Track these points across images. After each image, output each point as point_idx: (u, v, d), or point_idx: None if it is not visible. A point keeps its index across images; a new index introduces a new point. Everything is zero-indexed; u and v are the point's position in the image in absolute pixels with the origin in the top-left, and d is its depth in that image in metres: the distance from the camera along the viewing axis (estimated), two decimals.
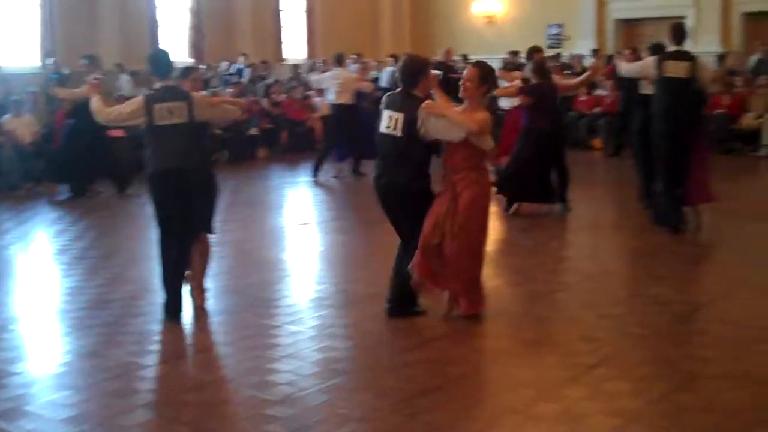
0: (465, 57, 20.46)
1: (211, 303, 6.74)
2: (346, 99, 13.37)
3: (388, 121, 6.02)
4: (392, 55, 19.98)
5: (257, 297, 6.90)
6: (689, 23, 19.33)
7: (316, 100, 17.99)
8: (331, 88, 13.45)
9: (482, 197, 6.07)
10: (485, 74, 6.11)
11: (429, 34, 22.77)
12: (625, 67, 9.71)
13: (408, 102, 5.97)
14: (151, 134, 6.24)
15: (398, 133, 5.97)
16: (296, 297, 6.99)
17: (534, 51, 11.39)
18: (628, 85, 11.20)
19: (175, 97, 6.24)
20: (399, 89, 6.10)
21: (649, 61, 9.16)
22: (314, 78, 15.16)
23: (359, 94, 13.72)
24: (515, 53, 19.89)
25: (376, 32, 22.98)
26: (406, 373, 5.13)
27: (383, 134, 6.08)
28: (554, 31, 21.53)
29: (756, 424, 4.36)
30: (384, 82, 19.81)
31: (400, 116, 5.97)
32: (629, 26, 21.08)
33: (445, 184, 6.09)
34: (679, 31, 8.94)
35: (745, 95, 15.81)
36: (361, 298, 6.76)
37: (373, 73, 20.60)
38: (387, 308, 6.26)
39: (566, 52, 20.13)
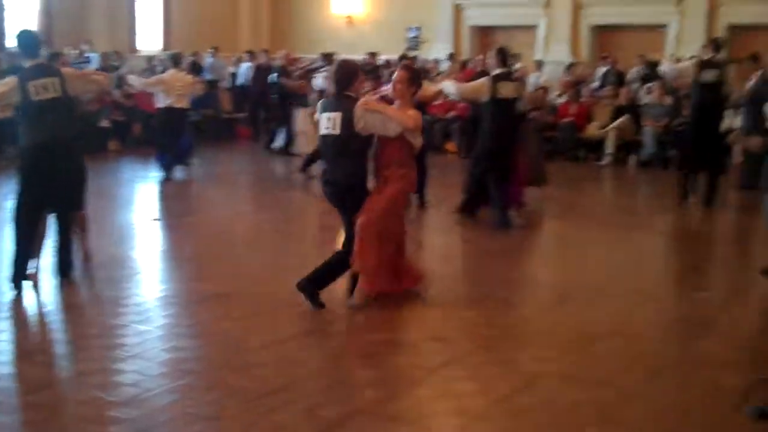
0: (327, 57, 20.57)
1: (55, 300, 6.52)
2: (183, 103, 12.80)
3: (327, 122, 6.44)
4: (249, 52, 19.79)
5: (104, 295, 6.72)
6: (541, 32, 20.13)
7: None
8: (168, 92, 12.56)
9: (405, 191, 6.63)
10: (414, 76, 6.76)
11: (288, 31, 22.70)
12: (458, 89, 10.01)
13: (344, 102, 6.40)
14: (27, 111, 6.69)
15: (337, 131, 6.38)
16: (144, 295, 6.83)
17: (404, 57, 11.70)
18: None
19: (47, 74, 6.79)
20: (333, 92, 6.53)
21: (482, 83, 9.66)
22: (139, 82, 13.38)
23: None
24: (373, 54, 20.11)
25: (234, 27, 22.72)
26: (255, 372, 5.11)
27: (324, 136, 6.48)
28: (413, 34, 21.88)
29: (592, 423, 4.57)
30: (242, 78, 19.67)
31: (338, 115, 6.38)
32: (484, 33, 21.62)
33: (377, 180, 6.54)
34: (503, 55, 9.65)
35: (590, 105, 16.51)
36: (211, 297, 6.69)
37: (230, 69, 20.47)
38: (298, 281, 6.47)
39: (424, 55, 20.48)
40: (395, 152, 6.49)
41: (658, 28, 19.28)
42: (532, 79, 17.89)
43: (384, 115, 6.37)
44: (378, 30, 22.00)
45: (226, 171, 14.33)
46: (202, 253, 8.45)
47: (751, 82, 12.65)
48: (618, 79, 17.60)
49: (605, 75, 18.05)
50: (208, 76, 19.45)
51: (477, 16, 21.29)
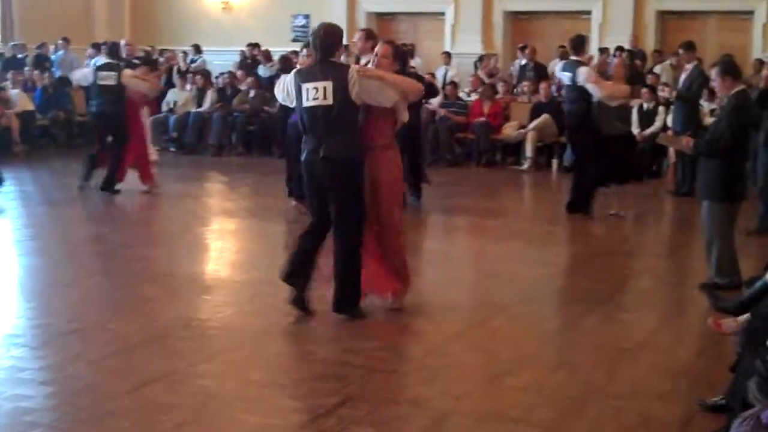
0: (197, 48, 20.41)
1: None
2: None
3: (315, 93, 6.73)
4: (94, 45, 18.85)
5: None
6: (449, 20, 20.33)
7: (11, 92, 17.26)
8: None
9: (399, 177, 7.20)
10: (398, 51, 7.41)
11: (153, 19, 22.43)
12: None
13: (333, 69, 6.79)
14: None
15: (329, 101, 6.70)
16: None
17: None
18: None
19: None
20: (317, 59, 6.89)
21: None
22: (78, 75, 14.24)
23: None
24: (255, 45, 20.05)
25: (88, 15, 22.31)
26: (114, 424, 5.00)
27: (311, 107, 6.76)
28: (300, 22, 21.87)
29: None
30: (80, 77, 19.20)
31: (328, 84, 6.71)
32: (383, 20, 21.69)
33: None
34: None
35: (506, 103, 16.75)
36: (62, 335, 6.54)
37: (86, 63, 20.09)
38: (333, 308, 6.91)
39: None
40: (380, 131, 6.96)
41: (582, 15, 19.63)
42: (439, 74, 18.11)
43: (383, 81, 6.85)
44: (259, 18, 21.90)
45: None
46: (51, 283, 8.28)
47: (684, 75, 13.06)
48: (537, 73, 17.82)
49: (523, 68, 18.31)
50: (57, 73, 19.08)
51: (375, 2, 21.31)
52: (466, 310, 7.50)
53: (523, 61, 18.34)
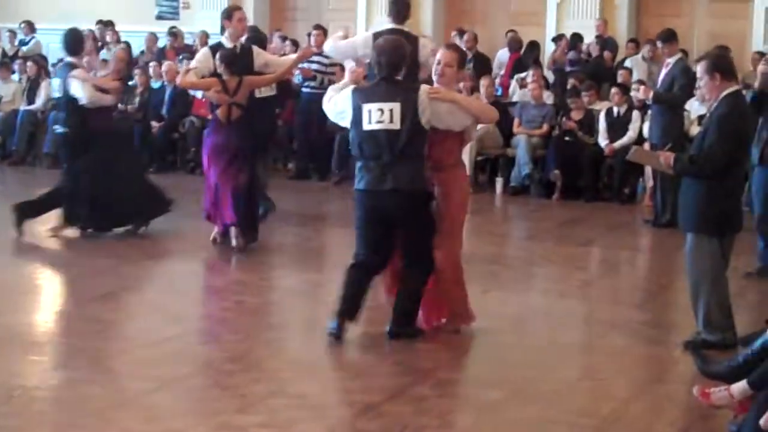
0: (30, 26, 20.16)
1: None
2: None
3: (379, 115, 7.62)
4: None
5: None
6: None
7: None
8: None
9: (466, 202, 8.35)
10: (463, 58, 8.20)
11: None
12: None
13: (400, 89, 7.77)
14: None
15: (396, 125, 7.62)
16: None
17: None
18: None
19: None
20: (381, 77, 7.81)
21: None
22: None
23: None
24: (107, 24, 19.93)
25: None
26: None
27: (373, 131, 7.67)
28: None
29: None
30: None
31: (395, 106, 7.63)
32: None
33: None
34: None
35: None
36: None
37: None
38: (391, 329, 8.06)
39: (186, 28, 20.41)
40: (449, 151, 8.03)
41: None
42: (347, 66, 17.99)
43: (456, 104, 7.86)
44: None
45: None
46: None
47: (664, 72, 13.18)
48: (478, 66, 17.80)
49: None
50: None
51: None
52: (385, 375, 7.46)
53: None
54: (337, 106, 8.02)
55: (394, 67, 7.83)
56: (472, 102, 8.16)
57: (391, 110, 7.61)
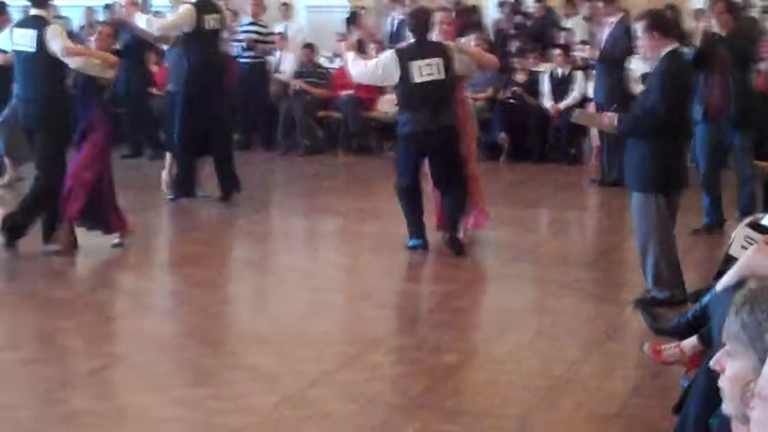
0: None
1: None
2: None
3: (428, 69, 9.50)
4: None
5: None
6: None
7: None
8: None
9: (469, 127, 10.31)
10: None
11: None
12: None
13: (437, 47, 9.74)
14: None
15: (442, 75, 9.54)
16: None
17: None
18: None
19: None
20: (417, 38, 9.77)
21: None
22: None
23: None
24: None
25: None
26: None
27: (423, 83, 9.51)
28: None
29: None
30: None
31: (439, 60, 9.56)
32: None
33: None
34: None
35: None
36: None
37: None
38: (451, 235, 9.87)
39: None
40: (462, 90, 10.21)
41: None
42: (291, 32, 17.94)
43: (471, 55, 10.22)
44: None
45: None
46: None
47: (606, 32, 13.23)
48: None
49: (400, 26, 18.22)
50: None
51: None
52: (333, 344, 7.48)
53: (401, 17, 18.19)
54: (384, 68, 9.76)
55: (424, 29, 9.74)
56: (481, 53, 11.02)
57: (437, 64, 9.50)
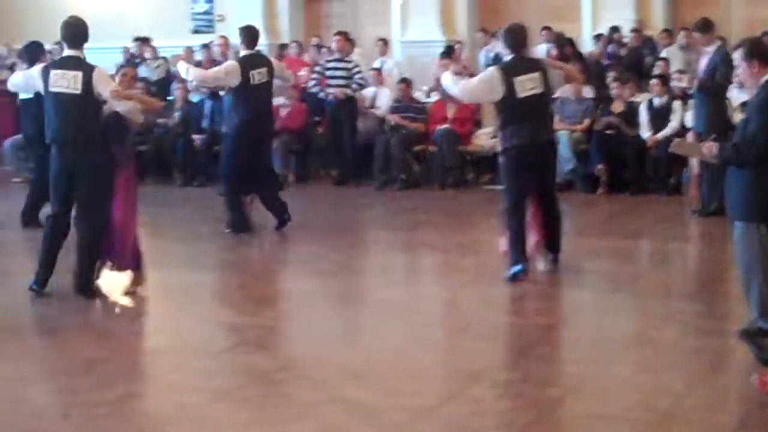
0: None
1: None
2: None
3: (531, 83, 9.85)
4: None
5: None
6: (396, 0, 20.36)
7: None
8: None
9: None
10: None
11: (11, 11, 22.33)
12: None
13: (535, 62, 10.30)
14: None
15: (541, 89, 9.95)
16: None
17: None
18: None
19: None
20: (513, 55, 10.04)
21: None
22: None
23: None
24: (144, 40, 20.04)
25: None
26: None
27: (528, 97, 9.83)
28: (201, 8, 21.84)
29: None
30: None
31: (538, 75, 9.92)
32: (310, 2, 21.73)
33: None
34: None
35: (477, 104, 16.71)
36: None
37: None
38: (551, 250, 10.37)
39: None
40: None
41: None
42: (387, 67, 18.09)
43: (560, 69, 10.89)
44: (148, 7, 21.82)
45: None
46: None
47: (704, 61, 13.10)
48: None
49: (495, 60, 18.27)
50: None
51: None
52: (433, 378, 7.46)
53: (496, 50, 18.27)
54: (490, 84, 9.95)
55: (522, 45, 10.08)
56: (569, 67, 11.52)
57: (537, 78, 9.88)
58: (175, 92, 17.97)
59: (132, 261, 10.01)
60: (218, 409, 6.86)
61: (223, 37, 19.08)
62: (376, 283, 10.99)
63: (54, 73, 9.78)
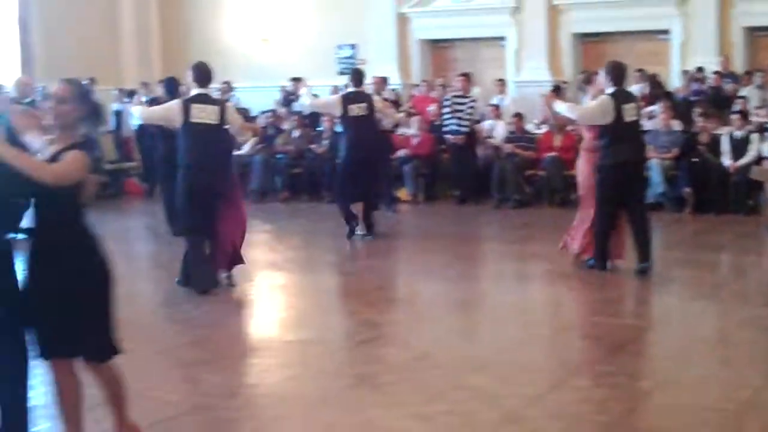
0: (228, 84, 20.53)
1: None
2: None
3: (633, 111, 10.36)
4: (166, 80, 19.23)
5: None
6: (511, 45, 20.33)
7: None
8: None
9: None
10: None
11: (184, 57, 22.63)
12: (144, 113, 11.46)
13: (632, 93, 11.10)
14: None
15: (638, 117, 10.60)
16: None
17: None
18: None
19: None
20: (615, 88, 10.25)
21: (174, 105, 10.22)
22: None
23: None
24: (298, 80, 20.20)
25: (115, 54, 22.62)
26: None
27: (632, 122, 10.33)
28: (346, 53, 22.01)
29: None
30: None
31: (635, 104, 10.57)
32: (438, 48, 21.78)
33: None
34: (202, 72, 10.13)
35: (579, 135, 16.63)
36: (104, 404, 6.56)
37: (114, 107, 20.34)
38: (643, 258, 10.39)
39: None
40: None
41: (659, 35, 19.50)
42: (505, 103, 18.15)
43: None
44: (300, 51, 22.07)
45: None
46: None
47: None
48: None
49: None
50: None
51: (428, 28, 21.36)
52: (544, 370, 7.42)
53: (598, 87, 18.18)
54: (604, 109, 10.12)
55: (624, 77, 10.56)
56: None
57: (636, 107, 10.51)
58: (324, 123, 18.18)
59: (226, 263, 10.23)
60: (358, 393, 6.91)
61: (378, 76, 19.17)
62: (493, 289, 10.98)
63: (195, 107, 9.90)
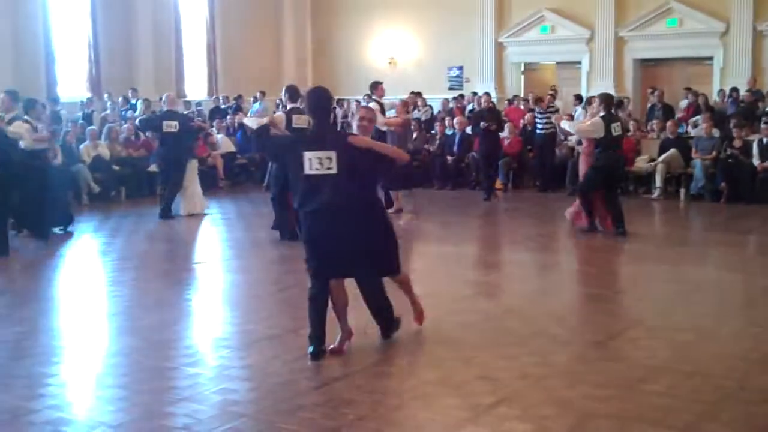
0: (368, 98, 20.56)
1: (106, 344, 6.57)
2: None
3: (618, 128, 11.02)
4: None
5: (154, 338, 6.74)
6: (584, 67, 20.13)
7: (217, 137, 17.95)
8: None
9: None
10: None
11: (331, 74, 22.88)
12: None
13: (615, 116, 11.41)
14: None
15: (621, 132, 11.33)
16: (195, 338, 6.86)
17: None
18: None
19: None
20: (606, 112, 10.92)
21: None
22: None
23: None
24: (417, 93, 20.25)
25: (278, 71, 22.92)
26: (305, 416, 5.07)
27: (617, 136, 11.03)
28: (454, 73, 21.93)
29: None
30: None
31: (620, 123, 11.25)
32: (530, 71, 21.72)
33: None
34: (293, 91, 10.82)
35: (638, 139, 16.38)
36: (261, 339, 6.68)
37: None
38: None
39: (467, 93, 20.57)
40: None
41: (704, 61, 19.30)
42: (578, 113, 17.89)
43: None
44: (420, 70, 22.12)
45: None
46: (251, 295, 8.48)
47: None
48: (665, 112, 17.47)
49: (652, 108, 17.94)
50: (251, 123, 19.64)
51: (519, 54, 21.38)
52: (605, 323, 7.29)
53: (653, 102, 18.01)
54: (597, 128, 10.84)
55: (612, 105, 11.18)
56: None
57: (620, 125, 11.16)
58: (437, 128, 18.14)
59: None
60: (463, 335, 6.82)
61: (474, 93, 19.07)
62: (566, 258, 10.84)
63: (296, 117, 10.36)
